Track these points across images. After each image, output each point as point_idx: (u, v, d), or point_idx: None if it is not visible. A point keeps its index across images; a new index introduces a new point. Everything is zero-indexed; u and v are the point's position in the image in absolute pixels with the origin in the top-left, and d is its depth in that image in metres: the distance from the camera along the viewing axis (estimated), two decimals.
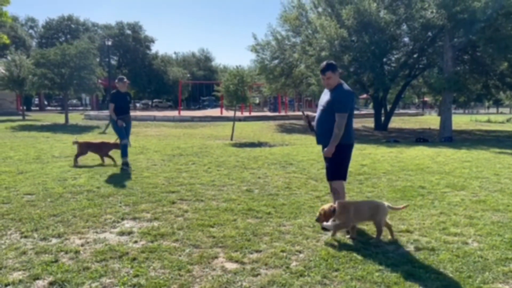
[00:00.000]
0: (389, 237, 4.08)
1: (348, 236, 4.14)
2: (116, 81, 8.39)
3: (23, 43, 41.77)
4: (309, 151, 11.50)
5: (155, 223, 4.50)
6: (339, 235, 4.17)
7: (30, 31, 52.29)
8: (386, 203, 4.22)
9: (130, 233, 4.18)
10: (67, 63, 22.20)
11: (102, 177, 6.97)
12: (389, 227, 4.11)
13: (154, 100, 60.18)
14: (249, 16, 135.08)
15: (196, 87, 53.40)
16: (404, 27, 20.66)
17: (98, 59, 30.25)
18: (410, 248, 3.90)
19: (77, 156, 8.52)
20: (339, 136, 4.34)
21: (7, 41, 5.92)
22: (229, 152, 11.21)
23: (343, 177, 4.55)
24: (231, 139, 15.83)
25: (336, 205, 4.07)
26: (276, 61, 26.16)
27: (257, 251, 3.73)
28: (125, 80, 8.41)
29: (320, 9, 22.28)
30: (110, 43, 25.87)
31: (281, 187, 6.39)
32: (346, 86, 4.44)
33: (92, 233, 4.16)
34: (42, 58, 22.58)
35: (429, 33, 19.49)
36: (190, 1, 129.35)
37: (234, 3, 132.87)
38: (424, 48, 20.56)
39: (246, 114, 30.96)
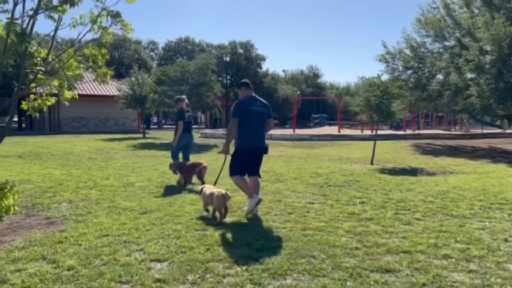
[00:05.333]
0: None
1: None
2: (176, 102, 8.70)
3: (145, 65, 44.01)
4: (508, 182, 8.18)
5: None
6: None
7: (151, 53, 55.60)
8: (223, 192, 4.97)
9: None
10: (186, 79, 21.62)
11: (254, 227, 4.74)
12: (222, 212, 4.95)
13: None
14: (357, 32, 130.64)
15: (305, 104, 51.36)
16: None
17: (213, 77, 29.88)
18: None
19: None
20: (227, 137, 5.64)
21: (131, 32, 4.49)
22: (390, 183, 8.44)
23: (235, 173, 5.47)
24: (372, 163, 13.01)
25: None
26: (409, 72, 22.72)
27: None
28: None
29: (473, 8, 18.45)
30: (228, 58, 24.96)
31: None
32: (242, 100, 5.57)
33: None
34: (163, 75, 22.38)
35: None
36: (299, 19, 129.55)
37: (342, 20, 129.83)
38: None
39: (368, 132, 27.74)
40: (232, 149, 5.60)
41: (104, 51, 4.47)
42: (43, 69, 4.28)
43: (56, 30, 4.58)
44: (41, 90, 5.08)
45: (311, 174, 9.99)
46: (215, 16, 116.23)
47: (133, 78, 26.48)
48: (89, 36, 4.52)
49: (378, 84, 13.37)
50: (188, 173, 7.68)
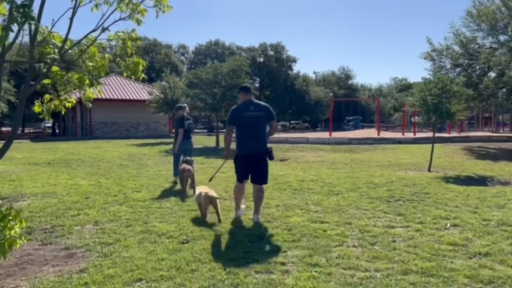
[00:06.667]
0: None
1: None
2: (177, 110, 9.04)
3: (176, 69, 43.61)
4: None
5: None
6: None
7: (182, 57, 55.32)
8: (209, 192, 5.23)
9: None
10: (219, 82, 20.63)
11: (335, 268, 3.53)
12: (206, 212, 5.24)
13: (292, 122, 58.21)
14: (389, 31, 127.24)
15: (338, 106, 49.66)
16: None
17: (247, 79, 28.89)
18: None
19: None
20: (224, 144, 5.71)
21: (168, 10, 3.58)
22: (470, 197, 7.06)
23: (237, 180, 5.46)
24: (429, 170, 11.54)
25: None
26: (458, 69, 20.97)
27: None
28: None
29: None
30: (261, 59, 23.83)
31: None
32: (236, 107, 5.60)
33: None
34: (195, 78, 21.52)
35: None
36: (329, 19, 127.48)
37: (373, 20, 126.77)
38: None
39: (409, 135, 26.01)
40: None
41: (134, 34, 3.40)
42: (56, 57, 3.24)
43: (75, 9, 3.55)
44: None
45: (367, 184, 8.70)
46: (245, 18, 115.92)
47: (164, 82, 25.80)
48: (116, 16, 3.47)
49: (435, 81, 11.89)
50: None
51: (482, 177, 10.53)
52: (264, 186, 5.51)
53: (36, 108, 3.94)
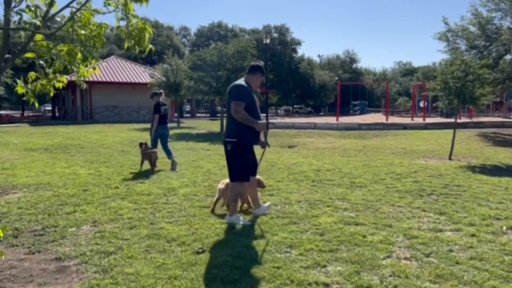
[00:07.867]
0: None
1: None
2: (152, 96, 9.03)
3: (178, 51, 42.54)
4: None
5: None
6: None
7: (184, 39, 54.08)
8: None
9: None
10: (223, 64, 19.76)
11: None
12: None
13: (295, 106, 57.30)
14: (394, 16, 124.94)
15: (343, 90, 48.64)
16: None
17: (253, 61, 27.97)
18: None
19: None
20: None
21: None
22: (510, 190, 6.36)
23: None
24: (450, 158, 10.84)
25: None
26: (474, 51, 20.07)
27: None
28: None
29: None
30: (268, 41, 22.84)
31: None
32: None
33: None
34: (199, 60, 20.66)
35: None
36: (334, 3, 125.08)
37: (380, 3, 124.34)
38: None
39: (418, 120, 25.25)
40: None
41: None
42: (38, 23, 2.49)
43: None
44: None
45: (390, 175, 8.01)
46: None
47: (166, 65, 24.88)
48: None
49: (458, 63, 11.05)
50: (143, 157, 8.42)
51: (510, 167, 9.82)
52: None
53: (19, 88, 3.20)
